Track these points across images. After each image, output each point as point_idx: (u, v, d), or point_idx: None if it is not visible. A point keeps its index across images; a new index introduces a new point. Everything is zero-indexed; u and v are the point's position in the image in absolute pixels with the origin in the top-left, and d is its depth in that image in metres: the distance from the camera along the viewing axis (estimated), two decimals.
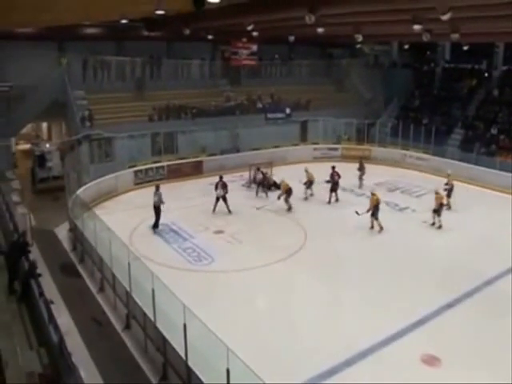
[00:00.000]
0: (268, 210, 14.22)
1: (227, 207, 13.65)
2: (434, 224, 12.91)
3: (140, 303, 8.01)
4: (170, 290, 7.09)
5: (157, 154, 17.95)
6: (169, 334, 7.21)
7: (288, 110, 21.76)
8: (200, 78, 21.08)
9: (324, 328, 8.22)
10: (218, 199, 13.70)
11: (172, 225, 12.90)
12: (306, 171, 15.45)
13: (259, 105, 21.46)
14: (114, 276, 9.05)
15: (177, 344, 6.93)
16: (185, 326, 6.54)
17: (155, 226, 12.63)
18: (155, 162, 17.29)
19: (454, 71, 23.60)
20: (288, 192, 14.02)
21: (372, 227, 12.64)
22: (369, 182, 16.34)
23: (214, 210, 13.70)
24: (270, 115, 21.41)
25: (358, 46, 24.67)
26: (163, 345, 7.28)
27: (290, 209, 14.03)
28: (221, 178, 14.02)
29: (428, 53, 26.17)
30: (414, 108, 23.20)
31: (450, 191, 14.09)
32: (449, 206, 13.53)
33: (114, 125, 16.60)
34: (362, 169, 16.85)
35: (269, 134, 19.85)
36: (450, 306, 8.87)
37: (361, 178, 16.57)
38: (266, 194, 15.87)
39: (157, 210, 12.73)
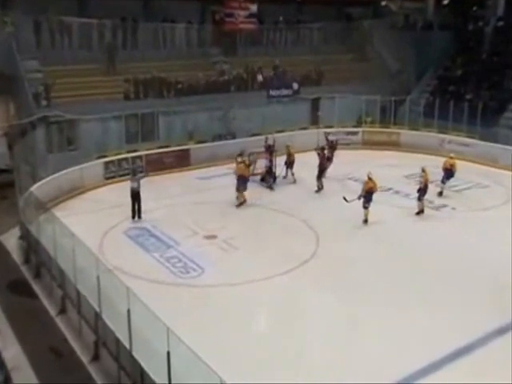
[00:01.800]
0: (270, 209, 14.25)
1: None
2: (418, 212, 13.75)
3: (112, 327, 7.96)
4: (151, 310, 7.02)
5: (133, 141, 17.93)
6: (148, 364, 7.15)
7: (295, 86, 21.75)
8: (186, 47, 21.02)
9: (339, 360, 8.07)
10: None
11: (152, 229, 12.89)
12: (288, 146, 16.37)
13: (260, 79, 21.41)
14: (78, 294, 8.99)
15: (159, 377, 6.87)
16: (168, 354, 6.48)
17: (138, 216, 13.22)
18: (131, 152, 17.26)
19: (509, 31, 23.02)
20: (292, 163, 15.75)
21: (366, 221, 13.16)
22: (393, 173, 16.35)
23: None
24: (273, 92, 21.37)
25: (383, 2, 24.62)
26: (141, 379, 7.22)
27: (294, 181, 16.06)
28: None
29: (474, 8, 25.89)
30: (455, 80, 23.04)
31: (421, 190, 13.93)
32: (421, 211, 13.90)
33: (77, 104, 16.51)
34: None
35: (272, 115, 19.82)
36: (501, 332, 8.74)
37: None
38: (271, 186, 15.78)
39: (137, 197, 13.09)
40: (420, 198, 13.96)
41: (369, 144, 20.98)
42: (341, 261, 11.26)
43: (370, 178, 13.26)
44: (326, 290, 10.01)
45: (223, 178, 17.05)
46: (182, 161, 17.94)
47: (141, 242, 12.16)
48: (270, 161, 16.42)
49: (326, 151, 16.16)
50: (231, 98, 19.90)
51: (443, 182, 15.61)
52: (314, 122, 21.71)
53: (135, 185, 13.47)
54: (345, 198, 13.36)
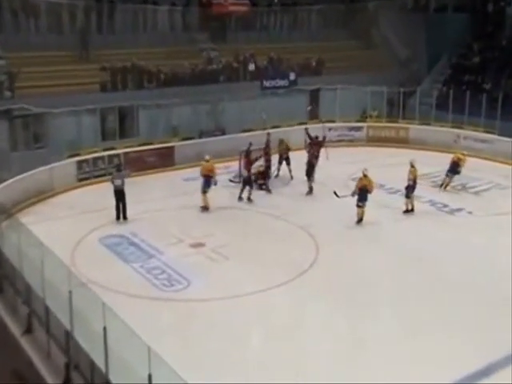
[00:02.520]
0: (264, 214, 14.27)
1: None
2: (407, 211, 14.15)
3: (86, 348, 7.88)
4: (130, 328, 6.96)
5: (110, 138, 17.96)
6: None
7: (292, 76, 21.85)
8: (170, 32, 21.06)
9: (342, 382, 8.04)
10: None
11: (132, 236, 12.87)
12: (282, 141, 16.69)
13: (252, 68, 21.48)
14: (47, 311, 8.88)
15: None
16: (150, 377, 6.43)
17: (123, 216, 13.54)
18: (107, 150, 17.25)
19: None
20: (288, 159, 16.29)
21: (359, 221, 13.48)
22: (402, 174, 16.38)
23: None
24: (267, 83, 21.48)
25: None
26: None
27: (291, 178, 16.56)
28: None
29: None
30: (472, 68, 23.17)
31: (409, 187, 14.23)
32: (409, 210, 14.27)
33: (46, 96, 16.45)
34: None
35: (266, 108, 19.79)
36: None
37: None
38: (268, 188, 15.82)
39: (121, 196, 13.29)
40: (408, 195, 14.19)
41: (374, 141, 21.08)
42: (344, 271, 11.26)
43: (364, 175, 13.50)
44: (328, 304, 9.99)
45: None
46: (165, 160, 17.90)
47: (119, 252, 12.13)
48: (268, 160, 16.45)
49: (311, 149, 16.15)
50: (220, 89, 19.95)
51: (447, 174, 15.92)
52: (314, 115, 21.77)
53: (119, 182, 13.59)
54: (335, 193, 13.73)
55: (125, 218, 13.72)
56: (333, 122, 21.50)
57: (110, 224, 13.52)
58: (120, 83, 18.60)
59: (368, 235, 13.15)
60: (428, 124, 20.90)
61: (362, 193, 13.45)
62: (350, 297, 10.24)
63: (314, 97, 22.27)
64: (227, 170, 17.90)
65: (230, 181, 16.90)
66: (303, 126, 19.70)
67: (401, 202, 14.81)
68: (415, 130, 20.91)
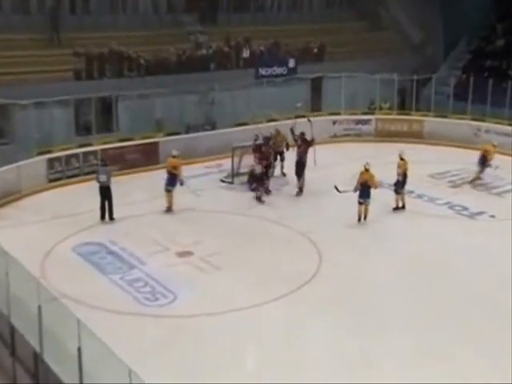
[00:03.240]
0: (260, 218, 14.28)
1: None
2: (397, 208, 14.45)
3: (57, 372, 7.85)
4: (108, 348, 6.94)
5: (85, 133, 17.93)
6: None
7: (291, 63, 21.89)
8: (153, 13, 21.13)
9: None
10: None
11: (111, 244, 12.86)
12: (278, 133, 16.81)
13: (246, 54, 21.50)
14: (13, 330, 8.84)
15: None
16: None
17: (110, 216, 13.74)
18: (82, 146, 17.23)
19: None
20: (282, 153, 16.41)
21: (359, 219, 13.85)
22: (415, 172, 16.45)
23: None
24: (262, 71, 21.51)
25: None
26: None
27: (284, 175, 16.96)
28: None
29: None
30: (495, 52, 23.24)
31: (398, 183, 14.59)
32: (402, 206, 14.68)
33: (12, 85, 16.45)
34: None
35: (261, 99, 19.86)
36: None
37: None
38: (265, 190, 15.84)
39: (107, 193, 13.49)
40: (398, 191, 14.46)
41: (384, 135, 21.14)
42: (350, 282, 11.28)
43: (366, 169, 13.79)
44: (332, 320, 9.98)
45: (201, 179, 17.02)
46: (148, 157, 17.91)
47: (95, 262, 12.11)
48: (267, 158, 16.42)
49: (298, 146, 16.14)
50: (210, 78, 19.98)
51: (479, 166, 16.15)
52: (316, 107, 21.83)
53: (104, 178, 13.70)
54: (336, 188, 14.03)
55: (111, 218, 13.86)
56: (337, 114, 21.55)
57: (85, 230, 13.48)
58: (96, 71, 18.59)
59: (377, 242, 13.18)
60: (445, 116, 21.00)
61: (364, 188, 13.67)
62: (358, 312, 10.22)
63: (316, 86, 22.32)
64: (219, 169, 17.92)
65: (222, 181, 16.96)
66: (301, 120, 19.81)
67: (416, 205, 14.87)
68: (430, 123, 21.01)
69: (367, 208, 13.83)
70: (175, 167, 14.73)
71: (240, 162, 17.04)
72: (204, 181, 16.96)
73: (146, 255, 12.28)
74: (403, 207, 14.56)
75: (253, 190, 15.99)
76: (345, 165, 17.21)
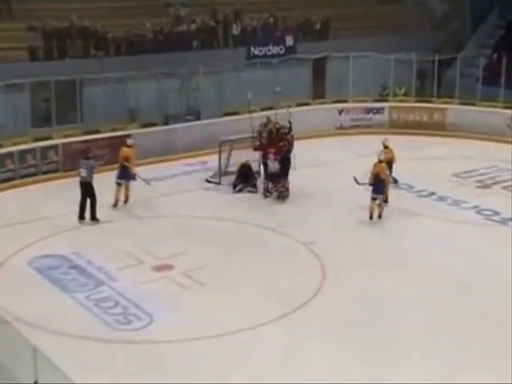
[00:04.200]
0: (253, 225, 14.33)
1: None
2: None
3: None
4: (70, 380, 6.93)
5: (43, 124, 17.95)
6: None
7: (289, 41, 21.97)
8: None
9: None
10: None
11: (75, 257, 12.86)
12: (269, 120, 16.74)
13: (236, 31, 21.53)
14: None
15: None
16: None
17: (92, 216, 14.06)
18: (40, 140, 17.26)
19: None
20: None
21: (371, 217, 14.33)
22: (437, 170, 16.57)
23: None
24: (256, 50, 21.59)
25: None
26: None
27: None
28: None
29: None
30: None
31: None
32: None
33: None
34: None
35: (254, 84, 19.81)
36: None
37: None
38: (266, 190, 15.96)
39: (88, 190, 13.65)
40: (373, 196, 14.65)
41: (399, 126, 21.26)
42: (359, 301, 11.30)
43: (380, 161, 14.38)
44: (339, 346, 9.97)
45: (182, 178, 17.03)
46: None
47: (56, 278, 12.07)
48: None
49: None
50: (193, 58, 20.03)
51: None
52: (319, 93, 21.88)
53: (85, 173, 13.97)
54: (355, 179, 14.54)
55: (93, 218, 14.11)
56: (344, 101, 21.62)
57: (44, 240, 13.44)
58: (56, 50, 18.59)
59: (391, 253, 13.18)
60: (472, 104, 21.15)
61: (376, 182, 14.09)
62: (369, 336, 10.22)
63: (319, 68, 22.40)
64: (204, 167, 17.97)
65: (208, 181, 17.01)
66: (306, 108, 19.93)
67: (437, 210, 14.93)
68: (455, 111, 21.15)
69: (381, 205, 14.14)
70: (127, 158, 14.98)
71: (229, 158, 17.06)
72: (186, 181, 17.01)
73: (116, 270, 12.25)
74: (385, 201, 14.90)
75: (239, 190, 16.07)
76: (353, 162, 17.27)
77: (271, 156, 15.70)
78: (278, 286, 11.69)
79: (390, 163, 15.22)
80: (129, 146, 15.40)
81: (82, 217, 14.13)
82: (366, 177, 14.79)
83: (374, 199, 14.24)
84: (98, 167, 15.07)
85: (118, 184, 15.00)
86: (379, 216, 14.34)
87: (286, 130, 16.21)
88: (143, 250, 13.07)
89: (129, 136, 17.89)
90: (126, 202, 15.35)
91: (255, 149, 16.21)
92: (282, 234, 13.91)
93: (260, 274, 12.19)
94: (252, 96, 17.21)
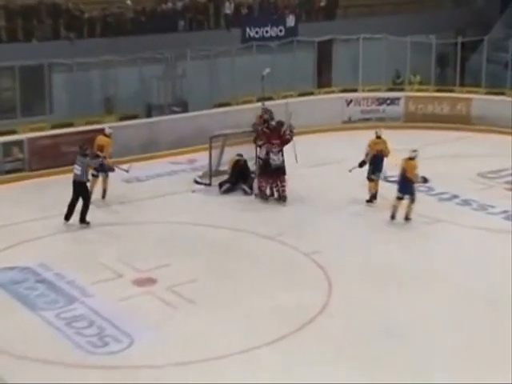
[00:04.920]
0: (248, 233, 14.35)
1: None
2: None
3: None
4: None
5: (5, 116, 18.05)
6: None
7: (291, 21, 22.06)
8: None
9: None
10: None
11: (43, 270, 12.83)
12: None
13: (229, 9, 21.63)
14: None
15: None
16: None
17: (81, 219, 14.24)
18: (2, 135, 17.26)
19: None
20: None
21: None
22: (460, 170, 16.58)
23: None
24: (252, 32, 21.71)
25: None
26: None
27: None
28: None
29: None
30: None
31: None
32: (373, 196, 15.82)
33: None
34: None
35: (250, 71, 19.88)
36: None
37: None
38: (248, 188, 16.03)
39: (80, 190, 13.91)
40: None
41: (417, 120, 21.38)
42: (370, 321, 11.25)
43: (378, 137, 15.36)
44: (347, 373, 9.93)
45: (167, 179, 17.07)
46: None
47: (21, 294, 12.03)
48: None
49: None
50: (180, 41, 20.09)
51: None
52: (324, 81, 21.90)
53: (79, 171, 14.13)
54: (362, 162, 15.48)
55: (83, 220, 14.30)
56: (353, 91, 21.63)
57: (6, 251, 13.43)
58: (21, 30, 18.60)
59: (407, 265, 13.14)
60: (500, 93, 21.22)
61: (378, 160, 14.85)
62: (379, 363, 10.16)
63: (325, 52, 22.43)
64: (192, 166, 17.99)
65: (197, 182, 17.04)
66: (310, 98, 19.90)
67: (461, 215, 14.99)
68: (481, 102, 21.20)
69: (410, 205, 14.49)
70: (101, 148, 15.20)
71: (221, 156, 17.07)
72: (171, 182, 17.04)
73: (91, 284, 12.22)
74: (374, 198, 15.59)
75: (226, 190, 16.07)
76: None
77: (275, 147, 15.71)
78: (276, 302, 11.69)
79: (381, 156, 15.52)
80: (106, 136, 15.56)
81: (67, 217, 14.26)
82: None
83: (399, 199, 14.57)
84: (94, 165, 15.07)
85: (93, 176, 15.14)
86: (406, 217, 14.59)
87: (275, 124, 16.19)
88: (122, 261, 13.07)
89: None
90: (103, 196, 15.49)
91: (257, 137, 16.10)
92: (281, 243, 13.94)
93: (256, 289, 12.20)
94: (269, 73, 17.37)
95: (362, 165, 15.52)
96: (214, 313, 11.43)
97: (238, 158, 16.52)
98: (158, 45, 19.58)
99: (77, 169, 14.31)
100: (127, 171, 15.45)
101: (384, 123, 21.04)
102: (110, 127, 15.91)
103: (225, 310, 11.49)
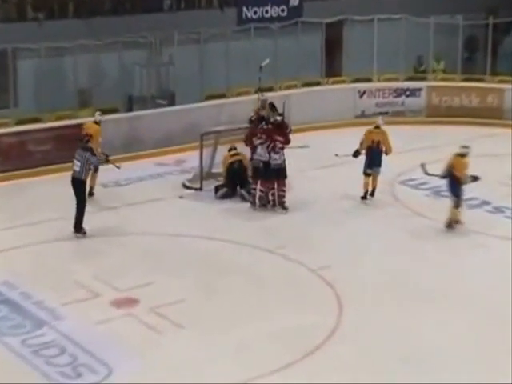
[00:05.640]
0: (246, 245, 14.38)
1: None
2: (365, 197, 16.33)
3: None
4: None
5: None
6: None
7: None
8: None
9: None
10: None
11: (6, 289, 12.84)
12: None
13: None
14: None
15: None
16: None
17: (76, 227, 14.47)
18: None
19: None
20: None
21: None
22: (492, 173, 16.68)
23: None
24: (249, 12, 21.91)
25: None
26: None
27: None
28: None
29: None
30: None
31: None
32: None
33: None
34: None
35: (247, 58, 19.99)
36: None
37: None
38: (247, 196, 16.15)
39: (78, 189, 14.33)
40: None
41: (441, 114, 21.53)
42: (386, 348, 11.24)
43: (376, 127, 15.94)
44: None
45: (151, 183, 17.19)
46: (66, 150, 17.61)
47: None
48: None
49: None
50: (166, 23, 20.14)
51: None
52: (333, 69, 21.94)
53: (78, 167, 14.31)
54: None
55: (78, 229, 14.56)
56: (367, 80, 21.68)
57: None
58: None
59: (431, 283, 13.12)
60: None
61: (374, 154, 15.24)
62: None
63: (334, 36, 22.47)
64: (180, 168, 18.05)
65: (186, 187, 17.11)
66: (317, 89, 19.93)
67: (492, 225, 15.06)
68: None
69: (453, 211, 14.59)
70: (90, 137, 15.30)
71: (213, 156, 17.10)
72: (156, 186, 17.12)
73: (62, 305, 12.19)
74: (372, 195, 16.27)
75: (223, 196, 16.19)
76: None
77: (277, 145, 15.69)
78: (278, 326, 11.69)
79: (377, 149, 15.86)
80: (96, 123, 15.76)
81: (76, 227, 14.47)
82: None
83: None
84: (101, 160, 15.27)
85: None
86: (448, 225, 14.87)
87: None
88: (99, 278, 13.07)
89: (78, 128, 17.97)
90: (90, 193, 15.73)
91: (250, 135, 16.04)
92: (283, 257, 13.96)
93: (255, 310, 12.20)
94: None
95: (355, 154, 16.22)
96: (204, 338, 11.40)
97: (232, 157, 16.43)
98: (140, 27, 19.62)
99: (76, 164, 14.45)
100: (118, 167, 15.59)
101: (403, 118, 21.18)
102: (100, 113, 16.12)
103: (217, 335, 11.46)
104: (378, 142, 15.71)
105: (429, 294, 12.79)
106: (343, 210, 16.00)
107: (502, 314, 12.09)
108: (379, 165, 15.85)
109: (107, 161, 15.40)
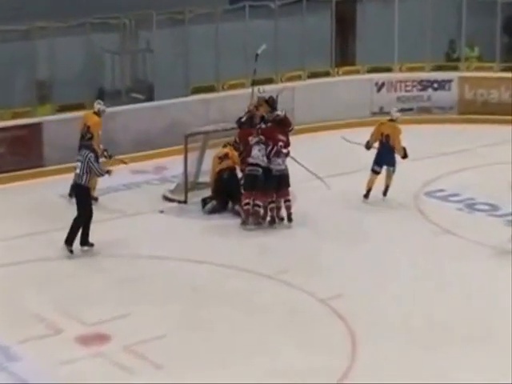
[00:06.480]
0: (240, 270, 14.47)
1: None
2: (367, 194, 17.05)
3: None
4: None
5: None
6: None
7: None
8: None
9: None
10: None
11: None
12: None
13: None
14: None
15: None
16: None
17: (83, 241, 14.75)
18: None
19: None
20: None
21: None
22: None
23: None
24: None
25: None
26: None
27: None
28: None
29: None
30: None
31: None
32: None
33: None
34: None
35: (241, 43, 20.11)
36: None
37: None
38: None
39: (78, 196, 14.74)
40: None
41: (475, 111, 21.69)
42: None
43: (390, 120, 15.98)
44: None
45: (126, 194, 17.44)
46: (24, 153, 18.37)
47: None
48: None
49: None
50: (143, 0, 20.31)
51: None
52: (345, 56, 22.07)
53: (78, 169, 14.41)
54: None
55: (84, 242, 14.83)
56: (386, 70, 21.78)
57: None
58: None
59: (459, 315, 13.11)
60: None
61: (384, 150, 15.70)
62: None
63: (345, 16, 22.59)
64: (160, 176, 18.19)
65: (167, 199, 17.26)
66: (326, 80, 20.05)
67: None
68: None
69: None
70: (88, 129, 15.59)
71: (200, 162, 17.15)
72: (132, 198, 17.21)
73: (19, 343, 12.21)
74: (384, 193, 16.82)
75: (212, 211, 16.32)
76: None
77: (280, 148, 15.75)
78: (282, 367, 11.68)
79: (387, 145, 16.18)
80: (96, 114, 15.97)
81: (85, 242, 14.75)
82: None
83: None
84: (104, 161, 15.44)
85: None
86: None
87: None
88: (62, 309, 13.12)
89: (39, 130, 18.27)
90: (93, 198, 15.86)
91: (260, 133, 15.95)
92: (285, 284, 14.03)
93: (252, 348, 12.19)
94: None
95: (367, 146, 16.82)
96: (189, 381, 11.37)
97: (221, 163, 16.48)
98: (112, 6, 19.69)
99: (77, 166, 14.53)
100: (126, 163, 16.01)
101: (430, 115, 21.25)
102: (99, 103, 16.34)
103: (205, 377, 11.39)
104: (387, 137, 16.00)
105: (458, 331, 12.69)
106: (357, 226, 16.11)
107: None
108: (390, 164, 16.22)
109: (110, 157, 15.62)
